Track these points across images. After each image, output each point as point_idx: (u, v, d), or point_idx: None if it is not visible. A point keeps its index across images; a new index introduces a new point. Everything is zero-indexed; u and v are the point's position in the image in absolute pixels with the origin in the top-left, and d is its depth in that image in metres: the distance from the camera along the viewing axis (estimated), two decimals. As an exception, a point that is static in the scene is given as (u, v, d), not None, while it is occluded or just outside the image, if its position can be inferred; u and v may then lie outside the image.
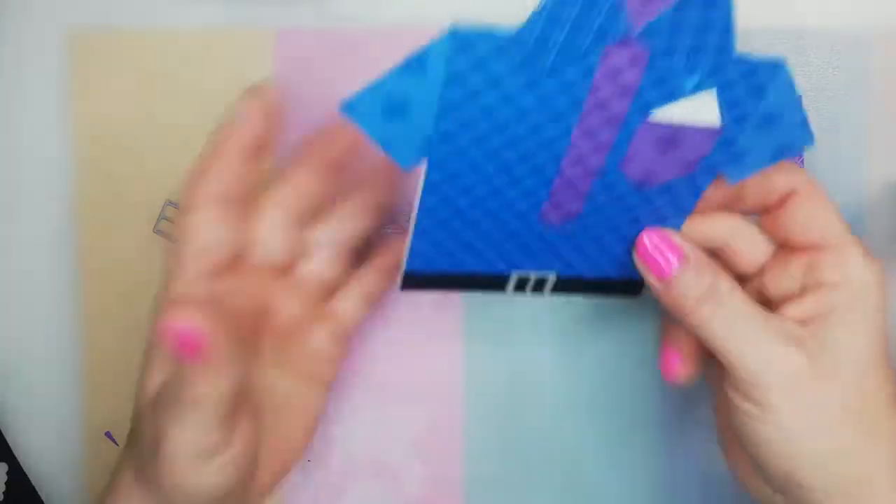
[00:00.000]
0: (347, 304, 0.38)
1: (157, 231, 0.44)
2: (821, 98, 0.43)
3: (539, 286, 0.35)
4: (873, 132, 0.43)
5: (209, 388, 0.30)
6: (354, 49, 0.43)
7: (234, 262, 0.34)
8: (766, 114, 0.29)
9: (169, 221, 0.44)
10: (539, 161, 0.30)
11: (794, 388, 0.31)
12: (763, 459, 0.32)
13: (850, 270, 0.32)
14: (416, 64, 0.27)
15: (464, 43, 0.26)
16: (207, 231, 0.33)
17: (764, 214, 0.34)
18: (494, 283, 0.35)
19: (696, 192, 0.32)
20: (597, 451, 0.44)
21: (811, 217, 0.33)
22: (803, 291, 0.33)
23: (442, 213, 0.32)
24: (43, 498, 0.45)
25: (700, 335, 0.32)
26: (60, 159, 0.44)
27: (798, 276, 0.33)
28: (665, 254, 0.32)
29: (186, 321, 0.29)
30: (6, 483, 0.45)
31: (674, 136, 0.29)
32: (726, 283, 0.32)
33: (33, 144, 0.44)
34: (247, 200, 0.34)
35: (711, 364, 0.36)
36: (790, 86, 0.29)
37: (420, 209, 0.31)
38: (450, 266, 0.34)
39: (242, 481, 0.34)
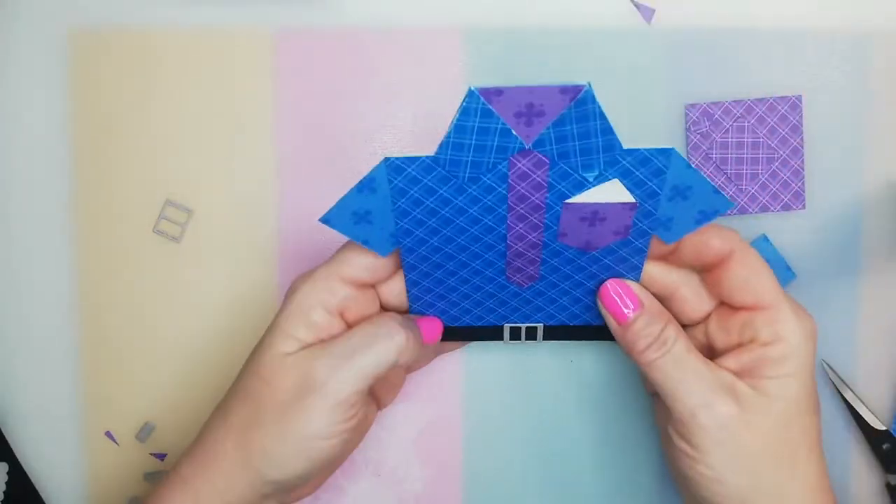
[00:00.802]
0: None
1: (157, 231, 0.44)
2: (821, 98, 0.43)
3: (531, 334, 0.41)
4: (873, 132, 0.43)
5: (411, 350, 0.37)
6: (354, 49, 0.43)
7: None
8: (675, 187, 0.34)
9: (169, 221, 0.44)
10: (488, 241, 0.36)
11: (725, 433, 0.35)
12: (694, 492, 0.36)
13: (781, 329, 0.35)
14: (366, 185, 0.33)
15: (395, 168, 0.33)
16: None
17: (704, 273, 0.37)
18: (492, 334, 0.41)
19: (640, 251, 0.36)
20: (593, 452, 0.44)
21: (745, 281, 0.36)
22: (741, 345, 0.36)
23: (425, 283, 0.38)
24: (43, 496, 0.45)
25: (648, 375, 0.36)
26: (60, 159, 0.44)
27: (736, 331, 0.37)
28: (624, 301, 0.37)
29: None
30: (6, 482, 0.45)
31: (595, 212, 0.34)
32: (673, 332, 0.36)
33: (33, 144, 0.44)
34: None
35: (660, 406, 0.39)
36: (686, 165, 0.33)
37: (407, 282, 0.38)
38: (447, 322, 0.40)
39: (335, 461, 0.38)
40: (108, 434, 0.45)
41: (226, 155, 0.44)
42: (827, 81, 0.43)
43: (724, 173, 0.43)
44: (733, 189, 0.43)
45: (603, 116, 0.31)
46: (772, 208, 0.43)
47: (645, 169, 0.33)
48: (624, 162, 0.33)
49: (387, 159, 0.33)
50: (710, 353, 0.38)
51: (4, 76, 0.44)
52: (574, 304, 0.39)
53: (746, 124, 0.42)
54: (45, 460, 0.45)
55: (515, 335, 0.41)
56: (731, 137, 0.42)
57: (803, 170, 0.43)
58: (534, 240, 0.36)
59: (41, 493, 0.45)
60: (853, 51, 0.43)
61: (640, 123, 0.43)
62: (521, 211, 0.35)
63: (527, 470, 0.44)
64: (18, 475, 0.45)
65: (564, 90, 0.30)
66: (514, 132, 0.32)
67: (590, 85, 0.30)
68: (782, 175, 0.43)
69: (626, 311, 0.37)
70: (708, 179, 0.34)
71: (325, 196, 0.44)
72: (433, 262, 0.37)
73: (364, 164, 0.43)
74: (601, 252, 0.36)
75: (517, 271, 0.37)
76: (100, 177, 0.44)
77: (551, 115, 0.31)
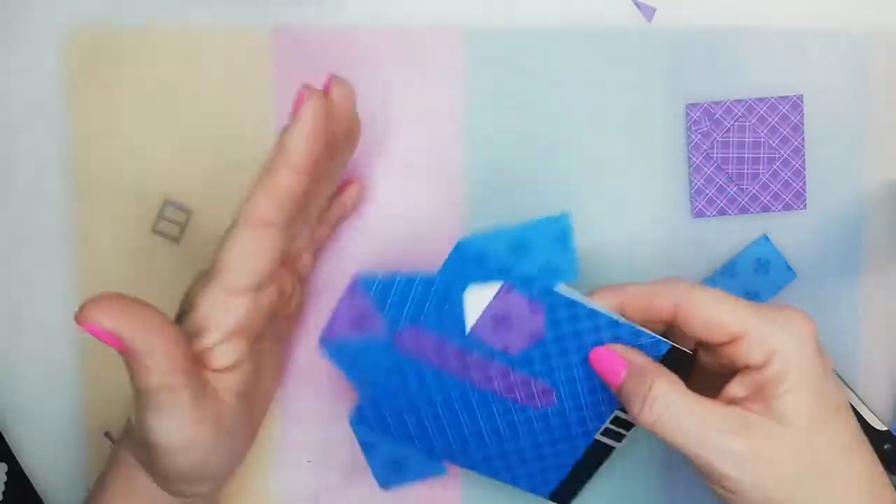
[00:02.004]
0: (308, 259, 0.41)
1: (156, 231, 0.44)
2: (822, 98, 0.43)
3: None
4: (873, 132, 0.43)
5: (154, 377, 0.33)
6: (353, 48, 0.43)
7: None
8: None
9: (168, 221, 0.44)
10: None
11: (747, 469, 0.33)
12: None
13: (769, 345, 0.34)
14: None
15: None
16: (258, 256, 0.35)
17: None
18: None
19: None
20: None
21: (705, 324, 0.35)
22: (737, 372, 0.35)
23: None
24: (42, 497, 0.45)
25: (657, 434, 0.35)
26: (59, 159, 0.44)
27: (728, 362, 0.35)
28: (611, 364, 0.36)
29: (91, 324, 0.31)
30: (6, 483, 0.45)
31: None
32: (664, 387, 0.34)
33: (32, 143, 0.44)
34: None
35: None
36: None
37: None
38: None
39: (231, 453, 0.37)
40: (108, 434, 0.45)
41: (225, 155, 0.44)
42: (828, 81, 0.43)
43: (725, 173, 0.43)
44: (734, 189, 0.43)
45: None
46: (773, 208, 0.43)
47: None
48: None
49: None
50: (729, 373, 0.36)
51: (3, 75, 0.44)
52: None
53: (748, 124, 0.42)
54: (44, 461, 0.45)
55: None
56: (733, 137, 0.42)
57: (804, 169, 0.43)
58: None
59: (40, 494, 0.45)
60: (854, 51, 0.43)
61: (641, 123, 0.43)
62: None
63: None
64: (18, 476, 0.44)
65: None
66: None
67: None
68: (783, 175, 0.43)
69: (616, 374, 0.36)
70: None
71: (326, 196, 0.44)
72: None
73: (363, 165, 0.43)
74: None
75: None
76: (99, 177, 0.44)
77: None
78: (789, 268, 0.43)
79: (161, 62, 0.43)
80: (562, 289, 0.37)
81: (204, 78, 0.44)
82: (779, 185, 0.43)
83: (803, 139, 0.43)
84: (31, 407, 0.45)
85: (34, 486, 0.45)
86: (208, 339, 0.35)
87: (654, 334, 0.37)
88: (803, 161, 0.43)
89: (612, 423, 0.39)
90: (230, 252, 0.34)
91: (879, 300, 0.43)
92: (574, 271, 0.37)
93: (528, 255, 0.37)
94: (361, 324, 0.38)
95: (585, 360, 0.38)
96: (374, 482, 0.41)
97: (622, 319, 0.37)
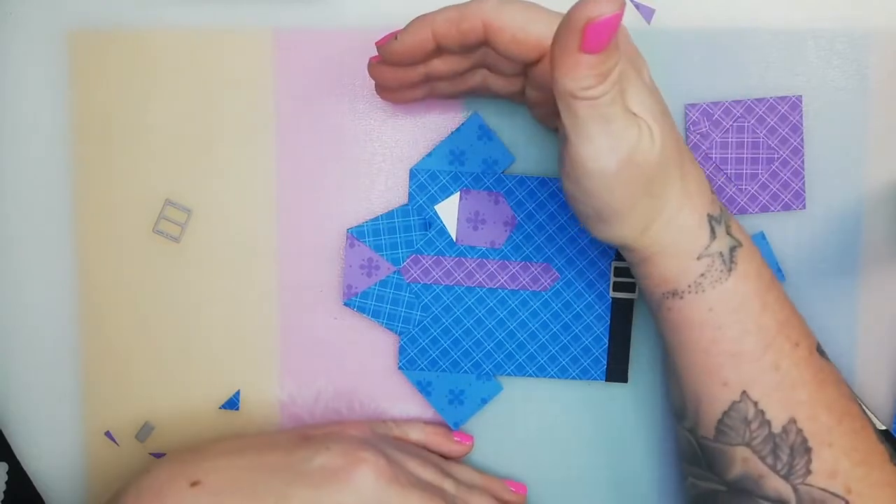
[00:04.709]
0: None
1: (157, 231, 0.44)
2: (821, 98, 0.43)
3: None
4: (873, 132, 0.43)
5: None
6: (354, 48, 0.43)
7: None
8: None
9: (169, 221, 0.44)
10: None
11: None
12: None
13: None
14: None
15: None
16: None
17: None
18: None
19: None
20: (594, 450, 0.44)
21: (512, 37, 0.34)
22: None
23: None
24: (43, 497, 0.45)
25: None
26: (60, 159, 0.44)
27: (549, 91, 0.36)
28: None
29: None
30: (6, 482, 0.45)
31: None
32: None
33: (32, 144, 0.44)
34: None
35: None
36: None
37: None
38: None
39: None
40: (108, 434, 0.45)
41: (226, 154, 0.44)
42: (827, 81, 0.43)
43: (724, 173, 0.43)
44: (733, 189, 0.43)
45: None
46: (772, 208, 0.43)
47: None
48: None
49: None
50: None
51: (4, 76, 0.44)
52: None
53: (746, 124, 0.42)
54: (44, 460, 0.45)
55: None
56: (731, 137, 0.42)
57: (803, 170, 0.43)
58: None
59: (41, 493, 0.45)
60: (853, 51, 0.43)
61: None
62: None
63: (527, 471, 0.44)
64: (18, 475, 0.45)
65: None
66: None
67: None
68: (782, 175, 0.43)
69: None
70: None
71: (325, 196, 0.44)
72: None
73: (365, 164, 0.43)
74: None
75: None
76: (99, 177, 0.44)
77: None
78: (779, 269, 0.43)
79: (161, 62, 0.44)
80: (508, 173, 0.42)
81: (204, 78, 0.44)
82: (778, 186, 0.43)
83: (802, 139, 0.43)
84: (31, 407, 0.45)
85: (35, 485, 0.45)
86: None
87: None
88: (802, 161, 0.43)
89: (616, 275, 0.42)
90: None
91: (879, 300, 0.43)
92: (509, 154, 0.42)
93: (466, 158, 0.42)
94: (370, 269, 0.42)
95: (562, 228, 0.42)
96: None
97: None
